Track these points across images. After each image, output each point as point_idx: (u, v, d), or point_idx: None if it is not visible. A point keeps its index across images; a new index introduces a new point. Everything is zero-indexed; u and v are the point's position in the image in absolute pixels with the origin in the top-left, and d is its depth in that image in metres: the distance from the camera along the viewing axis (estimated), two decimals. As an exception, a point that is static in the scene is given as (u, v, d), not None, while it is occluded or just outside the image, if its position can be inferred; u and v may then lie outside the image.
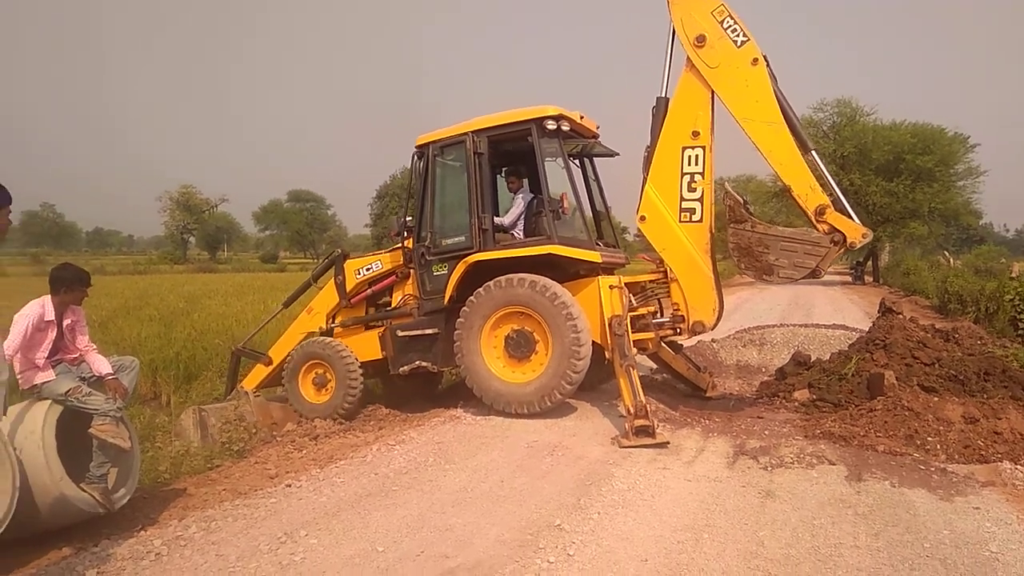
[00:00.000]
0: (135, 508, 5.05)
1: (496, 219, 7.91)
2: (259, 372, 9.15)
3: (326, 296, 8.95)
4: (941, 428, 6.36)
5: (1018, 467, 5.56)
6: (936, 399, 6.86)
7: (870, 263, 40.28)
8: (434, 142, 8.00)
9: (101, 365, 4.88)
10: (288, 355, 8.65)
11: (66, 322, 4.85)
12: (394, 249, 8.53)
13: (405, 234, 8.23)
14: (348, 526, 4.58)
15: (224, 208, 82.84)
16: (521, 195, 8.14)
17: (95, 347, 5.00)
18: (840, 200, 6.91)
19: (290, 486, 5.47)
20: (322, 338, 8.59)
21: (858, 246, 6.98)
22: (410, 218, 8.22)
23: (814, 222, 6.82)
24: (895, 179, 36.44)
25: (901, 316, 9.08)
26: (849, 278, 39.21)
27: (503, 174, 8.67)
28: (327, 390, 8.36)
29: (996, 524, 4.49)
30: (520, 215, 8.04)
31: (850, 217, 6.79)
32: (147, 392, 10.23)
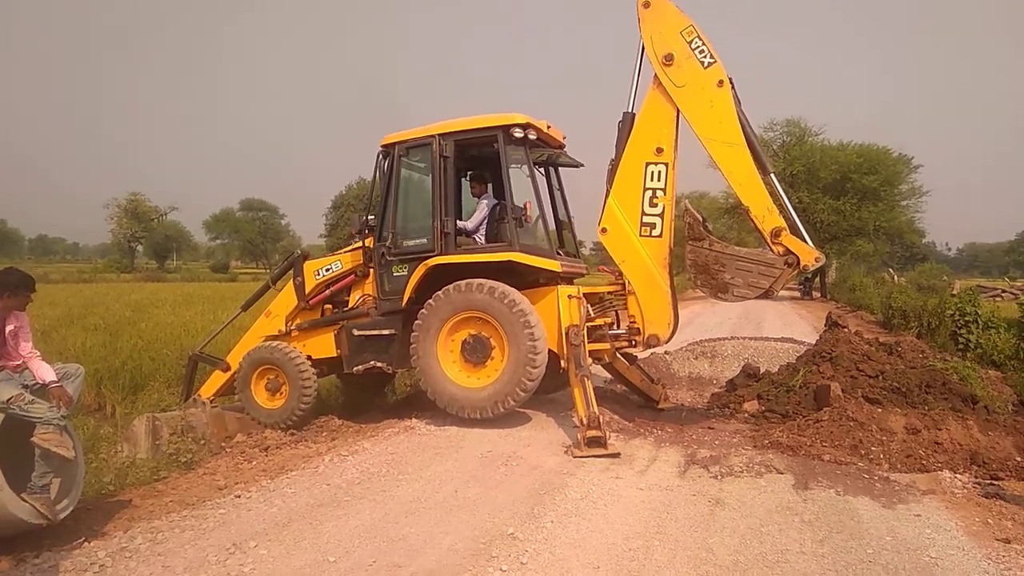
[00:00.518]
0: (78, 519, 4.89)
1: (459, 223, 7.93)
2: (217, 379, 8.96)
3: (285, 298, 8.80)
4: (884, 438, 6.55)
5: (957, 476, 5.77)
6: (880, 410, 7.06)
7: (818, 279, 41.18)
8: (400, 142, 7.98)
9: (45, 372, 4.73)
10: (240, 362, 8.51)
11: (8, 328, 4.70)
12: (354, 249, 8.47)
13: (366, 232, 8.17)
14: (299, 536, 4.52)
15: (174, 216, 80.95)
16: (485, 200, 8.17)
17: (39, 354, 4.84)
18: (795, 223, 7.07)
19: (239, 497, 5.38)
20: (272, 343, 8.46)
21: (811, 269, 7.15)
22: (372, 217, 8.17)
23: (769, 244, 6.96)
24: (842, 198, 37.49)
25: (847, 330, 9.34)
26: (798, 294, 40.03)
27: (468, 178, 8.69)
28: (281, 394, 8.24)
29: (936, 531, 4.64)
30: (483, 220, 8.07)
31: (804, 240, 6.95)
32: (92, 403, 9.94)
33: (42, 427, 4.48)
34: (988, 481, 5.72)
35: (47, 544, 4.46)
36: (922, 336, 14.80)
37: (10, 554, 4.27)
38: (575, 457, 6.27)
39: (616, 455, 6.32)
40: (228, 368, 8.82)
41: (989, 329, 13.83)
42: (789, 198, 7.36)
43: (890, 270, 40.91)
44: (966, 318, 14.31)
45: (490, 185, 8.42)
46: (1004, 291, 35.91)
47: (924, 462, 6.17)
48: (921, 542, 4.44)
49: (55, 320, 15.04)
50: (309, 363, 8.24)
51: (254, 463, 6.64)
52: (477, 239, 8.03)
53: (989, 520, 4.84)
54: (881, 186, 37.29)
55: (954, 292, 18.05)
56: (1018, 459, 6.15)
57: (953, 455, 6.25)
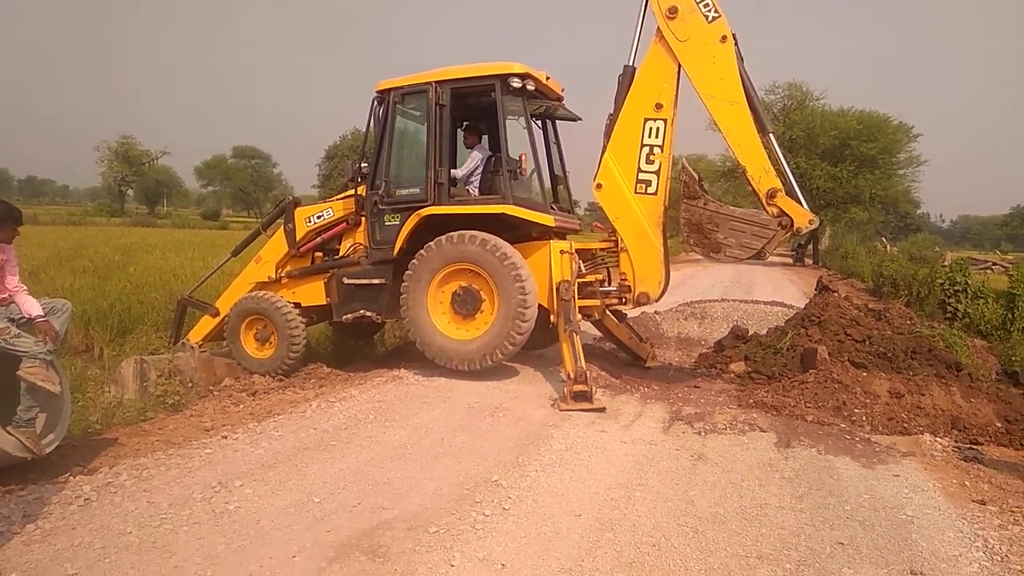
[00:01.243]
0: (64, 455, 4.91)
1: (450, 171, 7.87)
2: (206, 324, 8.95)
3: (275, 244, 8.72)
4: (868, 401, 6.62)
5: (937, 439, 5.85)
6: (865, 374, 7.12)
7: (810, 246, 41.27)
8: (396, 88, 7.84)
9: (31, 306, 4.70)
10: (228, 312, 8.49)
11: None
12: (346, 196, 8.39)
13: (359, 181, 8.10)
14: (284, 477, 4.56)
15: (165, 161, 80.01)
16: (478, 150, 8.08)
17: (25, 288, 4.81)
18: (791, 185, 7.00)
19: (226, 438, 5.41)
20: (261, 292, 8.43)
21: (804, 231, 7.12)
22: (365, 164, 8.08)
23: (764, 204, 6.91)
24: (839, 164, 37.25)
25: (836, 294, 9.37)
26: (790, 260, 40.15)
27: (463, 128, 8.60)
28: (270, 344, 8.24)
29: (913, 491, 4.71)
30: (474, 171, 7.99)
31: (799, 203, 6.90)
32: (79, 344, 9.92)
33: (28, 361, 4.47)
34: (968, 445, 5.80)
35: (33, 477, 4.48)
36: (911, 304, 14.86)
37: (-5, 486, 4.29)
38: (561, 410, 6.32)
39: (602, 410, 6.37)
40: (217, 313, 8.80)
41: (978, 299, 13.91)
42: (787, 163, 7.28)
43: (883, 239, 41.05)
44: (955, 287, 14.39)
45: (485, 136, 8.31)
46: (995, 264, 36.10)
47: (906, 425, 6.24)
48: (899, 501, 4.50)
49: (44, 261, 14.93)
50: (298, 313, 8.22)
51: (241, 407, 6.67)
52: (470, 191, 7.96)
53: (966, 482, 4.92)
54: (879, 154, 37.04)
55: (945, 263, 18.10)
56: (998, 425, 6.23)
57: (935, 419, 6.32)
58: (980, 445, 5.86)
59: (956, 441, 5.90)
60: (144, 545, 3.60)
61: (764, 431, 5.92)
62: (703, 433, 5.84)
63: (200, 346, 8.63)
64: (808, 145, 37.81)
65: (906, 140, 38.48)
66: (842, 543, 3.85)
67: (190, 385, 7.38)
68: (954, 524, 4.17)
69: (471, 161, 8.02)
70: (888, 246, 36.22)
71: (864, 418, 6.39)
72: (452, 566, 3.45)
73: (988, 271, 30.54)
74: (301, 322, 8.19)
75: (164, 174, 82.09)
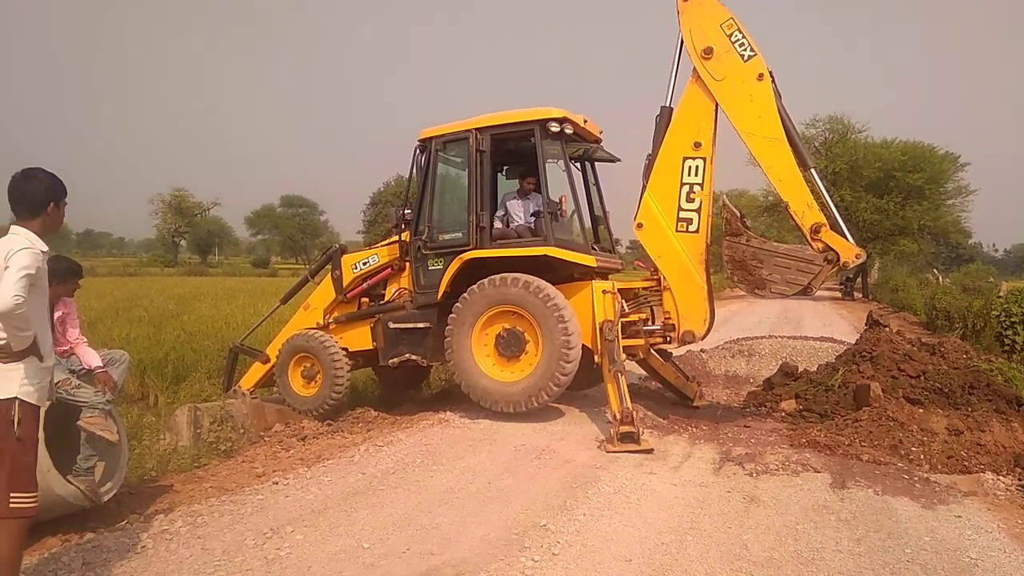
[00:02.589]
0: (121, 503, 5.04)
1: (518, 221, 8.04)
2: (257, 370, 9.14)
3: (323, 291, 8.93)
4: (925, 439, 6.43)
5: (1000, 478, 5.63)
6: (921, 411, 6.93)
7: (860, 279, 40.48)
8: (437, 137, 8.02)
9: (91, 358, 4.87)
10: (279, 348, 8.67)
11: (57, 314, 4.84)
12: (391, 242, 8.54)
13: (403, 227, 8.24)
14: (334, 523, 4.59)
15: (216, 212, 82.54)
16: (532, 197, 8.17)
17: (85, 340, 4.99)
18: (835, 219, 6.94)
19: (277, 484, 5.48)
20: (311, 331, 8.59)
21: (851, 266, 7.03)
22: (408, 211, 8.23)
23: (809, 240, 6.85)
24: (885, 196, 36.68)
25: (888, 329, 9.18)
26: (839, 294, 39.38)
27: (504, 172, 8.77)
28: (315, 382, 8.38)
29: (976, 532, 4.55)
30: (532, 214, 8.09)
31: (845, 237, 6.82)
32: (135, 392, 10.19)
33: (88, 411, 4.62)
34: (1032, 484, 5.57)
35: (91, 526, 4.59)
36: (966, 338, 14.44)
37: (56, 534, 4.40)
38: (608, 452, 6.26)
39: (649, 451, 6.30)
40: (267, 360, 8.98)
41: (1036, 330, 13.47)
42: (831, 196, 7.23)
43: (935, 271, 40.01)
44: (1012, 319, 13.96)
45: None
46: (1054, 293, 34.85)
47: (966, 463, 6.04)
48: (961, 543, 4.35)
49: (101, 312, 15.44)
50: (343, 353, 8.34)
51: (292, 452, 6.75)
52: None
53: (1033, 523, 4.73)
54: (926, 184, 36.40)
55: (1000, 294, 17.58)
56: (1064, 462, 5.99)
57: (996, 457, 6.11)
58: (1046, 483, 5.63)
59: (1020, 479, 5.66)
60: (199, 592, 3.65)
61: (818, 471, 5.77)
62: (755, 474, 5.72)
63: (251, 392, 8.79)
64: (852, 178, 37.35)
65: (953, 169, 37.83)
66: (903, 588, 3.72)
67: (242, 431, 7.51)
68: (1021, 567, 4.01)
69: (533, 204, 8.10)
70: (940, 278, 35.31)
71: (922, 456, 6.20)
72: (502, 613, 3.43)
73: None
74: (347, 363, 8.30)
75: (215, 224, 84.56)
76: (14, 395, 3.22)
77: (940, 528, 4.61)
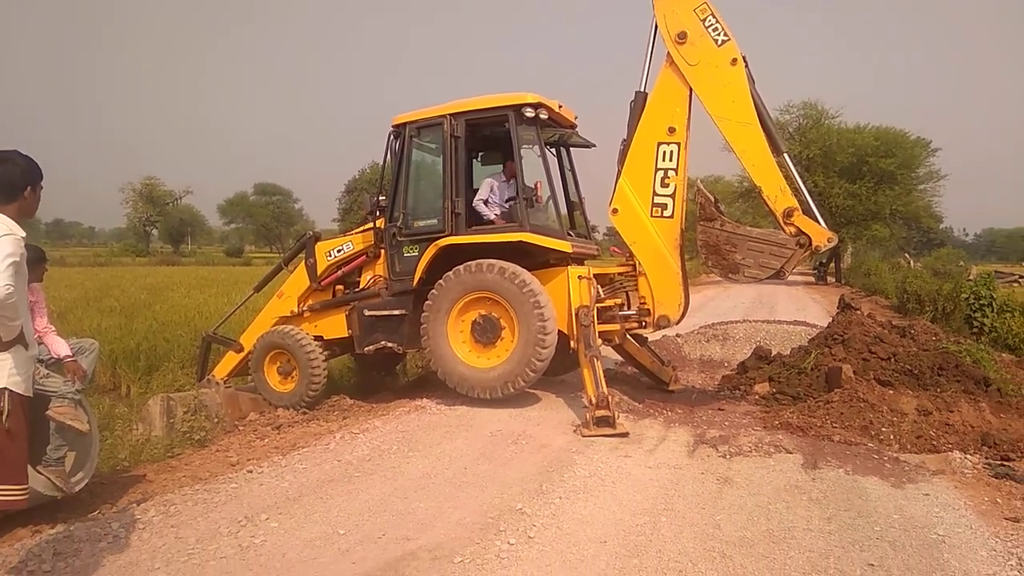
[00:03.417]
0: (93, 493, 4.98)
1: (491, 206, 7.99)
2: (230, 360, 9.05)
3: (297, 279, 8.84)
4: (895, 419, 6.54)
5: (968, 457, 5.73)
6: (891, 392, 7.04)
7: (833, 264, 40.95)
8: (411, 122, 7.95)
9: (60, 347, 4.80)
10: (253, 346, 8.59)
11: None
12: (365, 230, 8.48)
13: (377, 214, 8.19)
14: (310, 510, 4.58)
15: (188, 201, 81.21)
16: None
17: (54, 329, 4.91)
18: (808, 204, 7.00)
19: (251, 472, 5.44)
20: (283, 327, 8.52)
21: (823, 250, 7.10)
22: (383, 198, 8.17)
23: (782, 224, 6.91)
24: (858, 181, 37.13)
25: (859, 312, 9.29)
26: (812, 278, 39.83)
27: (479, 158, 8.74)
28: (292, 378, 8.32)
29: (944, 509, 4.64)
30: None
31: (817, 221, 6.89)
32: (107, 383, 10.06)
33: (57, 400, 4.55)
34: (999, 462, 5.68)
35: (62, 516, 4.53)
36: (936, 320, 14.67)
37: (26, 525, 4.34)
38: (584, 436, 6.30)
39: (625, 435, 6.34)
40: (241, 349, 8.90)
41: (1004, 313, 13.72)
42: (804, 182, 7.29)
43: (906, 255, 40.57)
44: (981, 302, 14.18)
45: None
46: (1021, 277, 35.53)
47: (935, 443, 6.15)
48: (929, 520, 4.43)
49: (71, 302, 15.22)
50: (319, 349, 8.29)
51: (266, 441, 6.72)
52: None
53: (998, 499, 4.83)
54: (898, 170, 36.90)
55: (970, 277, 17.87)
56: (1030, 440, 6.11)
57: (964, 436, 6.22)
58: (1012, 461, 5.73)
59: (987, 458, 5.78)
60: (172, 581, 3.62)
61: (790, 452, 5.85)
62: (728, 456, 5.78)
63: (225, 382, 8.72)
64: (825, 163, 37.75)
65: (924, 155, 38.40)
66: (872, 564, 3.79)
67: (216, 421, 7.46)
68: (987, 543, 4.10)
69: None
70: (912, 262, 35.81)
71: (892, 437, 6.30)
72: (478, 596, 3.44)
73: (1015, 284, 30.07)
74: (322, 358, 8.25)
75: (188, 213, 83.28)
76: (3, 385, 3.17)
77: (909, 506, 4.69)
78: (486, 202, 8.02)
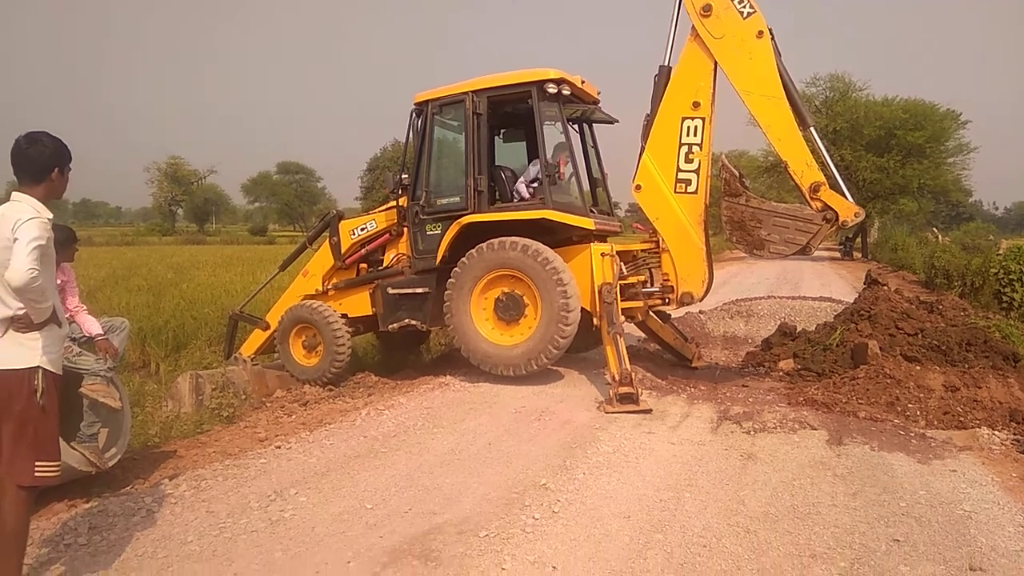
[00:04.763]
0: (125, 468, 5.10)
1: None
2: (257, 337, 9.16)
3: (321, 258, 8.90)
4: (922, 396, 6.49)
5: (995, 433, 5.69)
6: (918, 368, 6.97)
7: (859, 239, 40.45)
8: (433, 100, 7.93)
9: (91, 325, 4.88)
10: (280, 319, 8.68)
11: (57, 282, 4.84)
12: (388, 208, 8.51)
13: (400, 192, 8.20)
14: (337, 485, 4.65)
15: (212, 180, 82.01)
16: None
17: (85, 308, 5.00)
18: (835, 178, 6.91)
19: (280, 448, 5.53)
20: (311, 302, 8.59)
21: (850, 224, 7.01)
22: (406, 176, 8.18)
23: (808, 199, 6.82)
24: (886, 155, 36.49)
25: (886, 288, 9.18)
26: (838, 254, 39.39)
27: (501, 135, 8.72)
28: (316, 353, 8.40)
29: (971, 485, 4.61)
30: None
31: (844, 195, 6.79)
32: (136, 360, 10.21)
33: (89, 378, 4.64)
34: (1027, 438, 5.63)
35: (96, 491, 4.65)
36: (965, 295, 14.47)
37: (62, 499, 4.45)
38: (607, 413, 6.32)
39: (648, 411, 6.35)
40: (268, 327, 8.99)
41: (1035, 288, 13.49)
42: (831, 155, 7.19)
43: (934, 229, 39.94)
44: (1011, 276, 13.96)
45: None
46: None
47: (962, 419, 6.10)
48: (956, 496, 4.41)
49: (100, 281, 15.43)
50: (344, 325, 8.35)
51: (293, 417, 6.80)
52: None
53: (1027, 476, 4.79)
54: (927, 143, 36.19)
55: (1000, 252, 17.57)
56: (1060, 416, 6.04)
57: (992, 412, 6.16)
58: (1040, 438, 5.69)
59: (1015, 434, 5.72)
60: (204, 554, 3.71)
61: (815, 429, 5.83)
62: (752, 432, 5.78)
63: (252, 359, 8.83)
64: (852, 137, 37.13)
65: (954, 128, 37.60)
66: (898, 540, 3.78)
67: (243, 397, 7.57)
68: (1014, 519, 4.07)
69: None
70: (940, 236, 35.26)
71: (918, 413, 6.25)
72: (503, 569, 3.49)
73: (1047, 258, 29.49)
74: (347, 334, 8.32)
75: (212, 192, 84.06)
76: (36, 364, 3.23)
77: (935, 482, 4.66)
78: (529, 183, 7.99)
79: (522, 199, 7.87)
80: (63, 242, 4.78)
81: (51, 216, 3.31)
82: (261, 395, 7.90)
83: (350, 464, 5.07)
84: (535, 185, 7.86)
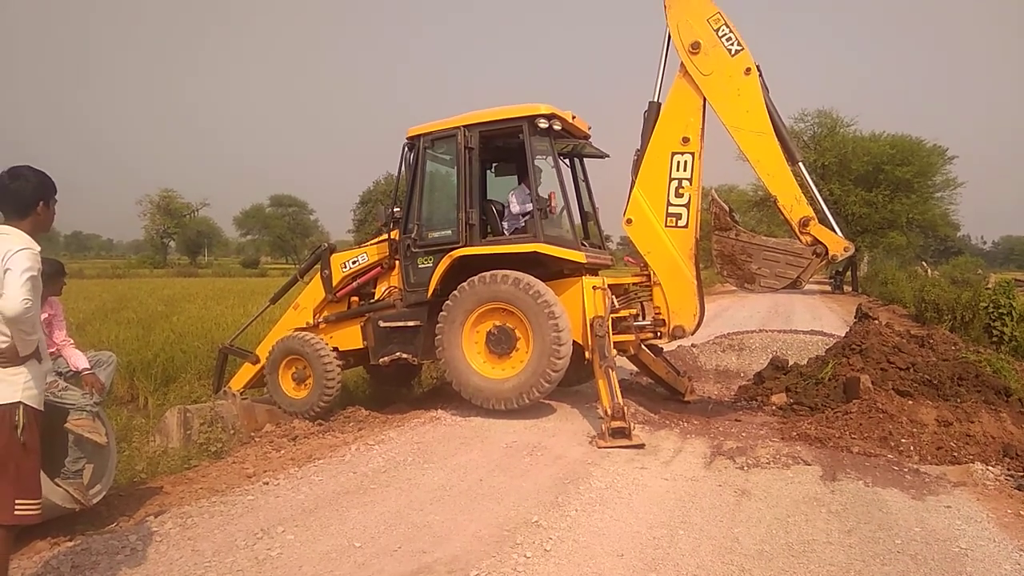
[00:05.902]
0: (111, 505, 5.02)
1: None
2: (247, 371, 9.09)
3: (312, 291, 8.88)
4: (915, 430, 6.46)
5: (989, 468, 5.66)
6: (910, 402, 6.96)
7: (849, 273, 40.65)
8: (425, 134, 7.99)
9: (78, 360, 4.84)
10: (270, 349, 8.63)
11: (44, 316, 4.80)
12: (380, 241, 8.51)
13: (391, 225, 8.21)
14: (325, 523, 4.57)
15: (205, 212, 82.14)
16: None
17: (72, 342, 4.96)
18: (824, 212, 6.97)
19: (267, 484, 5.45)
20: (302, 333, 8.55)
21: (840, 259, 7.05)
22: (398, 209, 8.20)
23: (797, 233, 6.86)
24: (874, 189, 36.84)
25: (877, 322, 9.23)
26: (828, 287, 39.57)
27: (493, 169, 8.77)
28: (306, 385, 8.35)
29: (966, 522, 4.57)
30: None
31: (833, 230, 6.84)
32: (124, 394, 10.14)
33: (75, 413, 4.59)
34: (1021, 473, 5.61)
35: (80, 528, 4.57)
36: (955, 329, 14.52)
37: (44, 537, 4.37)
38: (599, 447, 6.27)
39: (641, 446, 6.30)
40: (257, 360, 8.93)
41: (1024, 322, 13.56)
42: (820, 190, 7.25)
43: (923, 263, 40.22)
44: (1000, 311, 14.04)
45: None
46: (1041, 284, 35.09)
47: (955, 454, 6.07)
48: (951, 533, 4.37)
49: (89, 314, 15.35)
50: (335, 358, 8.30)
51: (282, 452, 6.73)
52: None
53: (1022, 512, 4.76)
54: (915, 178, 36.56)
55: (988, 286, 17.68)
56: (1053, 451, 6.02)
57: (985, 447, 6.14)
58: (1035, 473, 5.67)
59: (1009, 469, 5.71)
60: (189, 593, 3.63)
61: (809, 464, 5.79)
62: (746, 468, 5.73)
63: (241, 393, 8.75)
64: (841, 172, 37.49)
65: (941, 163, 38.02)
66: (894, 579, 3.74)
67: (232, 432, 7.49)
68: (1010, 556, 4.03)
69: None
70: (929, 270, 35.49)
71: (912, 448, 6.23)
72: (494, 609, 3.42)
73: (1035, 292, 29.70)
74: (338, 367, 8.26)
75: (204, 225, 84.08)
76: (18, 400, 3.18)
77: (930, 518, 4.63)
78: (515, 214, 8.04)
79: (513, 216, 7.91)
80: (51, 275, 4.75)
81: (39, 249, 3.29)
82: (250, 430, 7.82)
83: (339, 501, 5.00)
84: (526, 218, 7.90)
